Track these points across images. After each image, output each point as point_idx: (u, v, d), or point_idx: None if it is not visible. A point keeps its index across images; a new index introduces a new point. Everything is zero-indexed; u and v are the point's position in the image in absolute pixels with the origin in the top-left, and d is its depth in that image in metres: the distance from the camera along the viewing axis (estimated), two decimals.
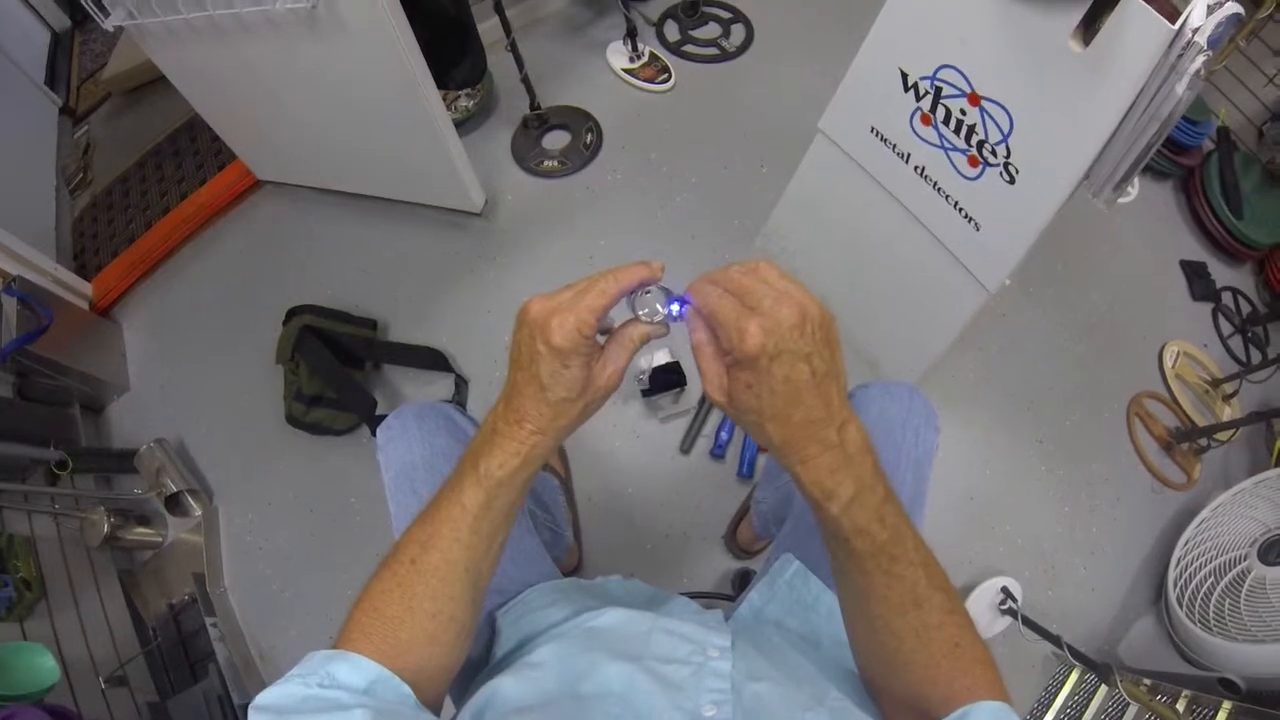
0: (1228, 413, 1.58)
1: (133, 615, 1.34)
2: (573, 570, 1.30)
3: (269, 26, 1.23)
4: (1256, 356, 1.70)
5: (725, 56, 2.02)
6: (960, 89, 1.02)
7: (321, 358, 1.39)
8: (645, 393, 1.42)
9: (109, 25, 1.31)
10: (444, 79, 1.38)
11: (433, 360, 1.51)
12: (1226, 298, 1.76)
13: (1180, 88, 0.83)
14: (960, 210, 1.13)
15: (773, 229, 1.57)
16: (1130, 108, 0.87)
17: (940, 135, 1.10)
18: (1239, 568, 1.25)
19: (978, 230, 1.12)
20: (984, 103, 1.01)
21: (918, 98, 1.09)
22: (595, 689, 0.49)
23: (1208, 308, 1.74)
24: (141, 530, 1.41)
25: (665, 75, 1.94)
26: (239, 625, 1.34)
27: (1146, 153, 0.93)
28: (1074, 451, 1.48)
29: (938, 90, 1.06)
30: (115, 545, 1.38)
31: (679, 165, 1.80)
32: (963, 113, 1.04)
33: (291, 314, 1.50)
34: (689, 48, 2.03)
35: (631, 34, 1.89)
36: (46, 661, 1.00)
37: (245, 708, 1.19)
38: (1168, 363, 1.61)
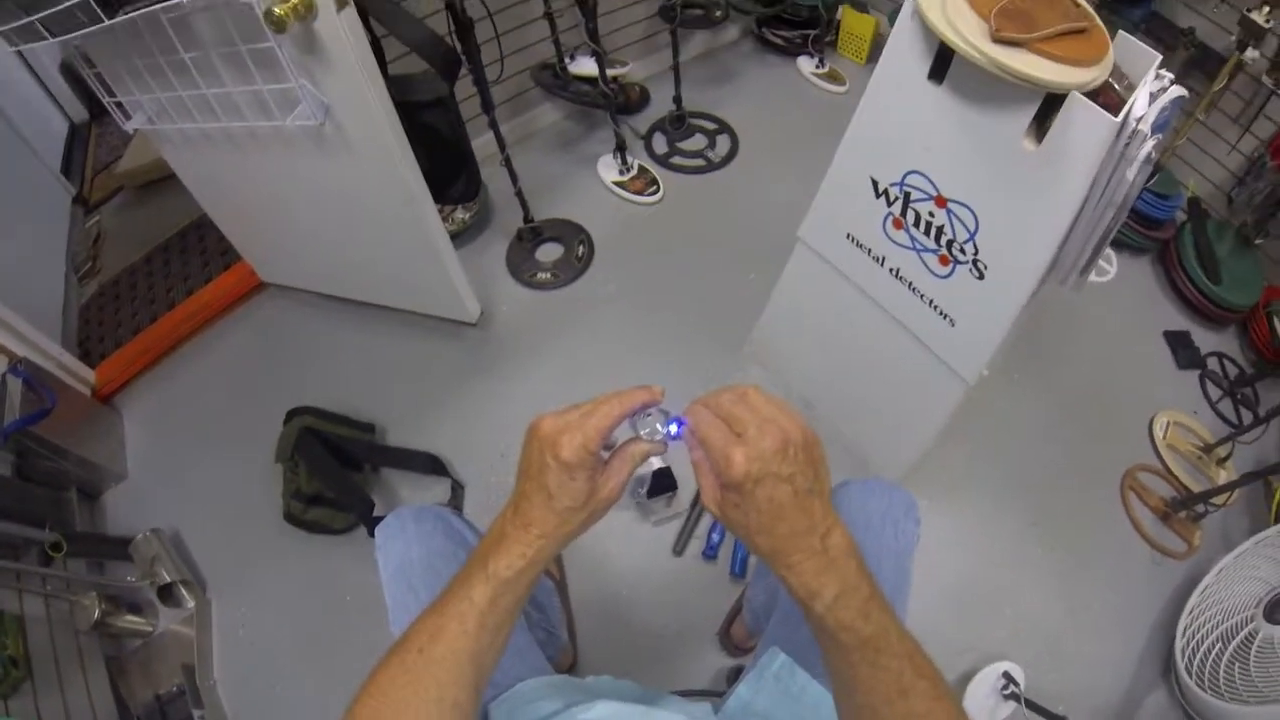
0: (1223, 476, 1.59)
1: (118, 703, 1.33)
2: (568, 669, 1.30)
3: (279, 140, 1.32)
4: (1247, 417, 1.71)
5: (711, 167, 2.13)
6: (927, 192, 1.09)
7: (321, 458, 1.42)
8: (639, 495, 1.46)
9: (129, 128, 1.39)
10: (441, 195, 1.47)
11: (430, 465, 1.54)
12: (1212, 363, 1.79)
13: (1131, 173, 0.87)
14: (935, 307, 1.18)
15: (759, 336, 1.63)
16: (1086, 197, 0.91)
17: (912, 237, 1.16)
18: (1246, 630, 1.24)
19: (953, 325, 1.17)
20: (950, 204, 1.07)
21: (889, 203, 1.16)
22: None
23: (1194, 375, 1.77)
24: (132, 618, 1.41)
25: (654, 187, 2.04)
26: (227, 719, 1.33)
27: (1106, 237, 0.98)
28: (1070, 531, 1.49)
29: (907, 195, 1.12)
30: (105, 631, 1.37)
31: (668, 275, 1.88)
32: (931, 215, 1.11)
33: (292, 414, 1.54)
34: (676, 159, 2.14)
35: (621, 147, 1.99)
36: None
37: None
38: (1158, 433, 1.64)
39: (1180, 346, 1.80)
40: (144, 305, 1.93)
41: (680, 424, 0.54)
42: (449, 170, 1.45)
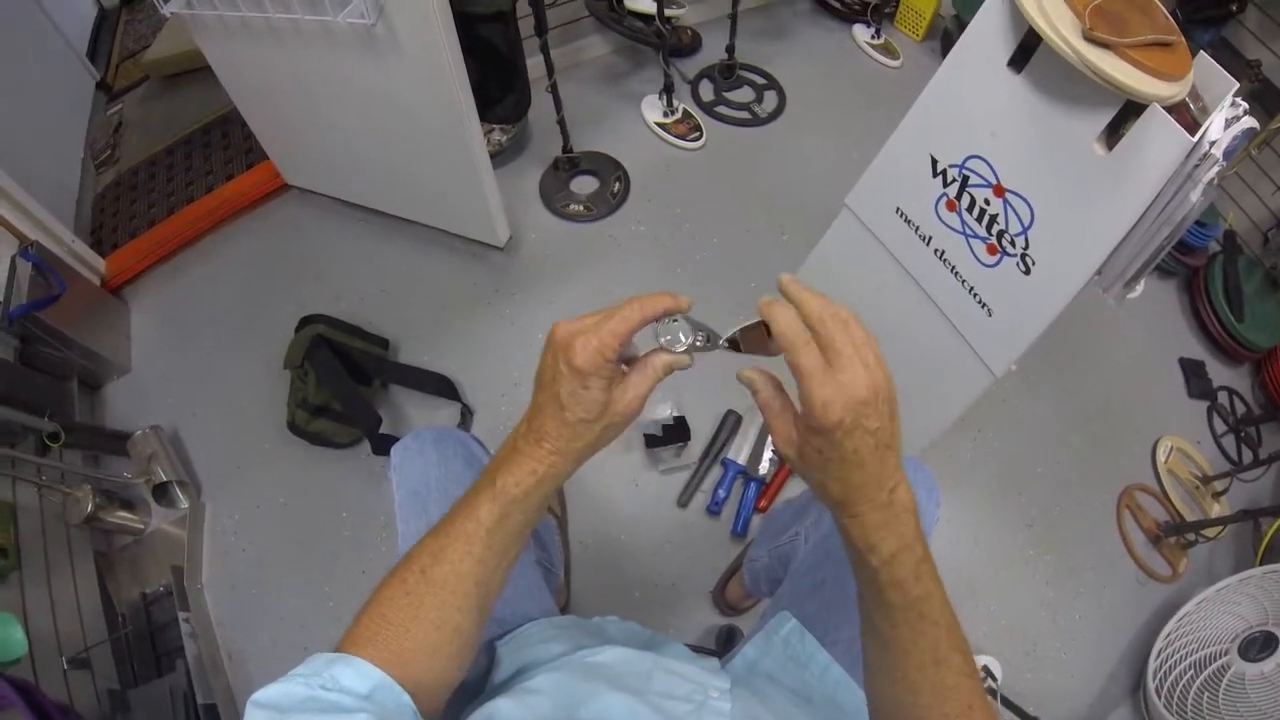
0: (1216, 509, 1.61)
1: (104, 599, 1.33)
2: (560, 610, 1.29)
3: (324, 36, 1.28)
4: (1248, 456, 1.73)
5: (756, 121, 2.09)
6: (987, 180, 1.07)
7: (332, 369, 1.41)
8: (650, 441, 1.44)
9: (166, 11, 1.34)
10: (485, 113, 1.43)
11: (441, 387, 1.53)
12: (1222, 397, 1.80)
13: (1195, 195, 0.87)
14: (975, 295, 1.17)
15: None
16: (1146, 211, 0.91)
17: (963, 222, 1.14)
18: (1219, 662, 1.27)
19: (990, 315, 1.16)
20: (1008, 195, 1.05)
21: (945, 184, 1.14)
22: (594, 716, 0.50)
23: (1203, 406, 1.78)
24: (124, 514, 1.40)
25: (697, 133, 2.00)
26: (211, 624, 1.32)
27: (1158, 254, 0.98)
28: (1062, 538, 1.51)
29: (965, 179, 1.10)
30: (96, 526, 1.36)
31: (702, 223, 1.85)
32: (987, 202, 1.09)
33: (305, 322, 1.52)
34: (722, 109, 2.10)
35: (668, 89, 1.95)
36: (15, 633, 0.99)
37: (209, 707, 1.19)
38: (1160, 457, 1.65)
39: (1194, 375, 1.81)
40: (161, 198, 1.89)
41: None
42: (498, 88, 1.40)
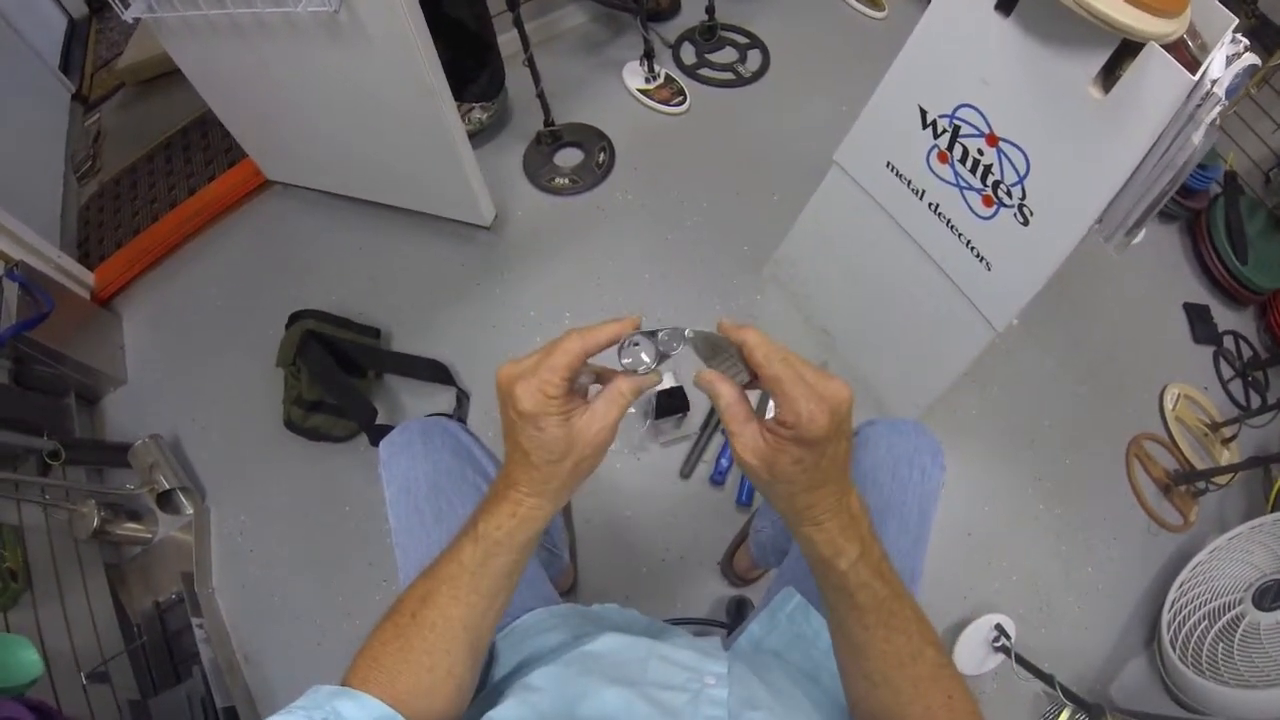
0: (1226, 456, 1.58)
1: (117, 611, 1.32)
2: (567, 591, 1.29)
3: (289, 28, 1.23)
4: (1256, 401, 1.70)
5: (740, 82, 2.03)
6: (979, 129, 1.03)
7: (324, 364, 1.38)
8: (647, 415, 1.42)
9: (128, 17, 1.30)
10: (461, 92, 1.39)
11: (435, 372, 1.50)
12: (1228, 341, 1.76)
13: (1197, 137, 0.84)
14: (972, 249, 1.13)
15: (782, 258, 1.57)
16: (1146, 155, 0.88)
17: (956, 174, 1.10)
18: (1233, 612, 1.25)
19: (989, 270, 1.12)
20: (1002, 144, 1.01)
21: (935, 135, 1.10)
22: (592, 713, 0.49)
23: (1209, 351, 1.74)
24: (131, 525, 1.39)
25: (680, 98, 1.95)
26: (225, 627, 1.32)
27: (1160, 200, 0.94)
28: (1072, 490, 1.48)
29: (956, 129, 1.06)
30: (104, 539, 1.35)
31: (690, 189, 1.80)
32: (980, 152, 1.05)
33: (295, 318, 1.49)
34: (705, 71, 2.04)
35: (648, 55, 1.89)
36: (30, 655, 0.98)
37: (228, 710, 1.18)
38: (1168, 405, 1.62)
39: (1199, 320, 1.77)
40: (145, 205, 1.86)
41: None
42: (471, 66, 1.36)
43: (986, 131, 1.02)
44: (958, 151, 1.08)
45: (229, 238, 1.81)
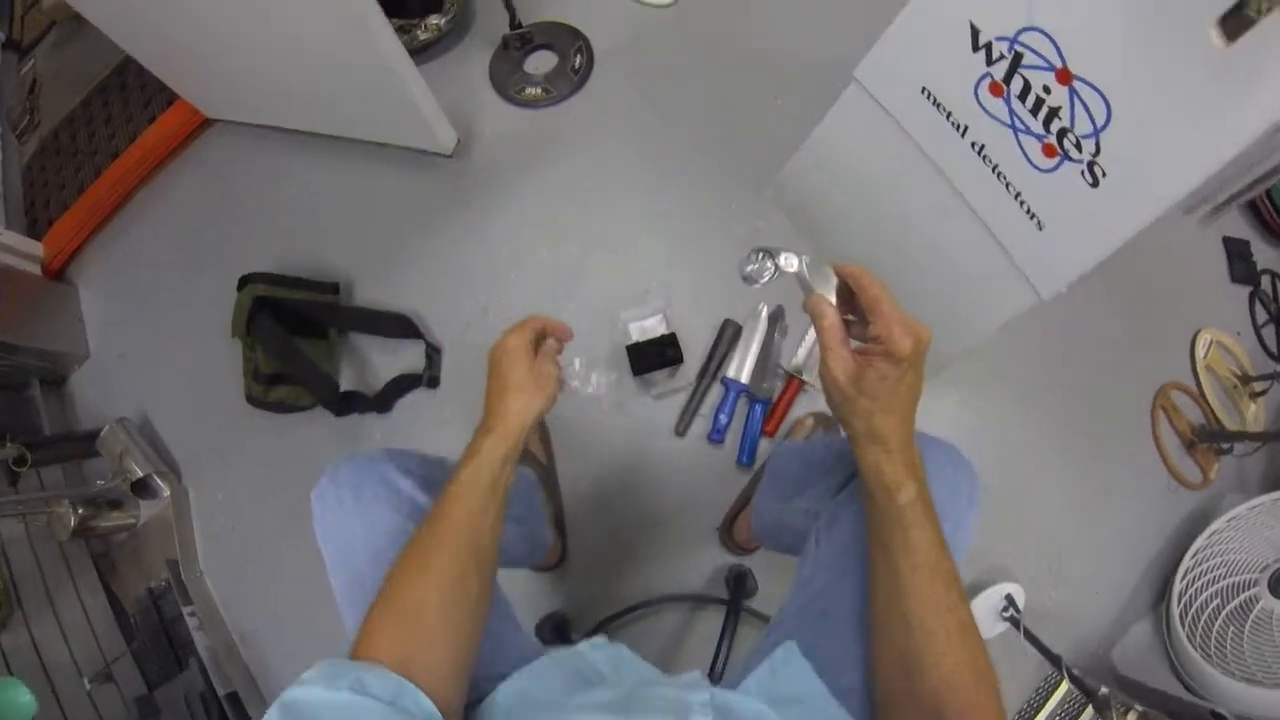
0: (1253, 410, 1.47)
1: (112, 603, 1.31)
2: (555, 565, 1.24)
3: None
4: None
5: None
6: (1048, 61, 0.78)
7: (275, 337, 1.24)
8: (636, 370, 1.29)
9: None
10: (400, 7, 1.11)
11: (401, 328, 1.36)
12: (1265, 282, 1.57)
13: None
14: (1022, 203, 0.92)
15: (788, 180, 1.33)
16: (1272, 128, 0.65)
17: (1011, 112, 0.86)
18: (1247, 594, 1.18)
19: (1040, 229, 0.92)
20: (1076, 83, 0.77)
21: (989, 61, 0.85)
22: None
23: (1245, 291, 1.56)
24: (115, 514, 1.33)
25: None
26: (218, 610, 1.30)
27: (1266, 179, 0.73)
28: (1094, 442, 1.37)
29: (1017, 56, 0.81)
30: (88, 534, 1.31)
31: (681, 94, 1.52)
32: (1046, 90, 0.81)
33: (244, 281, 1.31)
34: None
35: None
36: (22, 696, 0.97)
37: (230, 697, 1.20)
38: (1199, 352, 1.47)
39: (1237, 256, 1.57)
40: (87, 158, 1.60)
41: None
42: None
43: (1058, 66, 0.78)
44: (1017, 85, 0.83)
45: (177, 185, 1.59)
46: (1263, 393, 1.46)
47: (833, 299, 0.57)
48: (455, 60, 1.58)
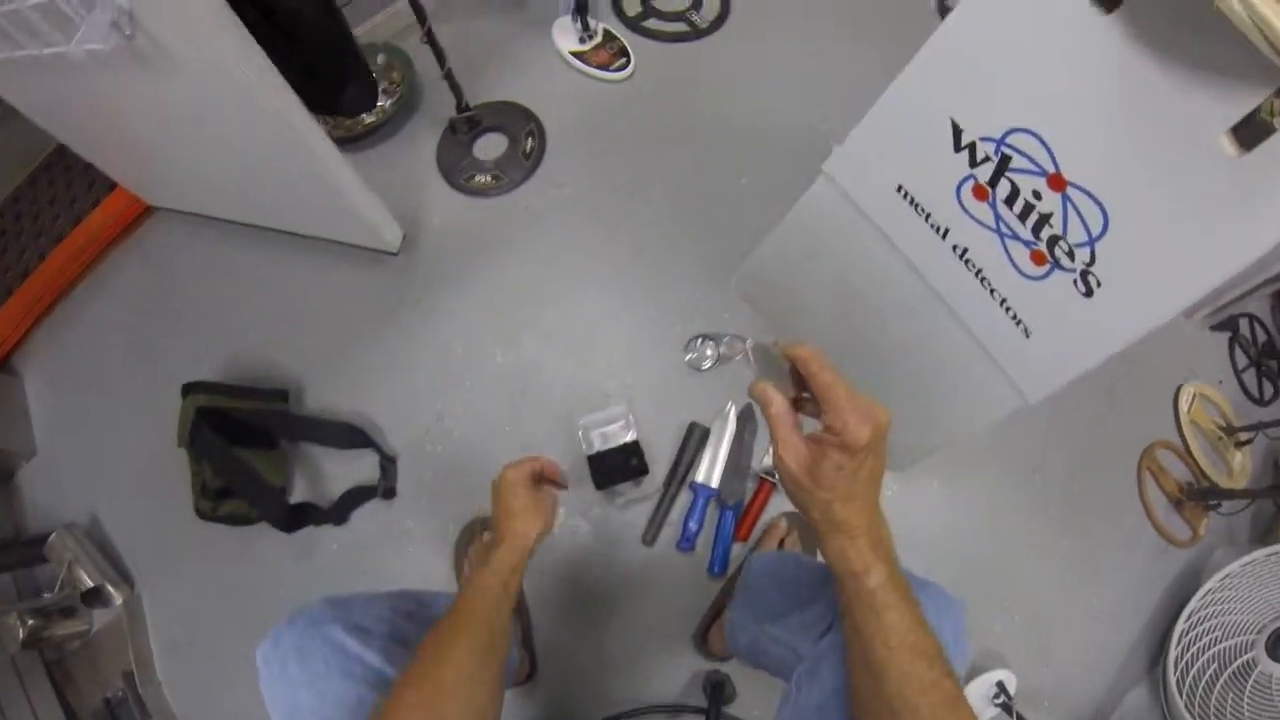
0: (1239, 459, 1.35)
1: (68, 716, 1.13)
2: (523, 681, 1.08)
3: (90, 65, 0.80)
4: (1269, 391, 1.45)
5: (696, 34, 1.53)
6: (1039, 165, 0.67)
7: (215, 449, 1.08)
8: (599, 484, 1.14)
9: None
10: (333, 105, 0.99)
11: (352, 438, 1.19)
12: (1243, 325, 1.46)
13: None
14: (1008, 310, 0.80)
15: (754, 271, 1.20)
16: None
17: (998, 217, 0.75)
18: (1245, 658, 1.07)
19: (1027, 336, 0.80)
20: (1071, 190, 0.65)
21: (973, 163, 0.73)
22: None
23: (1224, 338, 1.44)
24: (67, 624, 1.16)
25: (623, 59, 1.47)
26: None
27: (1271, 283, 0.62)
28: (1082, 516, 1.24)
29: (1004, 159, 0.70)
30: (40, 645, 1.14)
31: (640, 174, 1.39)
32: (1036, 196, 0.69)
33: (187, 390, 1.16)
34: (651, 23, 1.53)
35: (581, 8, 1.40)
36: None
37: None
38: (1183, 406, 1.35)
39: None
40: (30, 241, 1.42)
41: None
42: (334, 74, 0.95)
43: (1050, 171, 0.66)
44: (1003, 189, 0.72)
45: (121, 274, 1.41)
46: (1248, 441, 1.36)
47: (786, 381, 0.51)
48: (403, 142, 1.43)
